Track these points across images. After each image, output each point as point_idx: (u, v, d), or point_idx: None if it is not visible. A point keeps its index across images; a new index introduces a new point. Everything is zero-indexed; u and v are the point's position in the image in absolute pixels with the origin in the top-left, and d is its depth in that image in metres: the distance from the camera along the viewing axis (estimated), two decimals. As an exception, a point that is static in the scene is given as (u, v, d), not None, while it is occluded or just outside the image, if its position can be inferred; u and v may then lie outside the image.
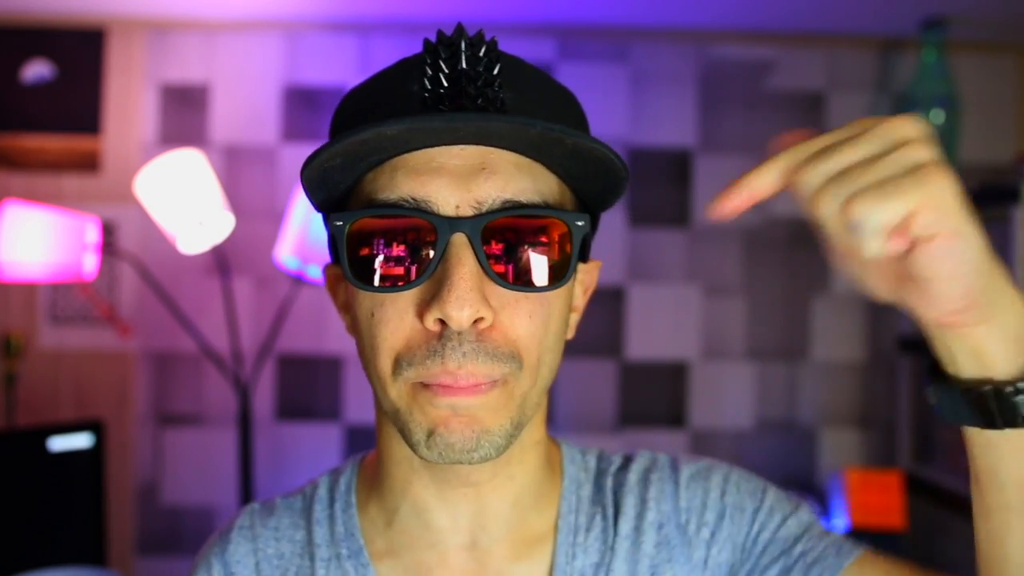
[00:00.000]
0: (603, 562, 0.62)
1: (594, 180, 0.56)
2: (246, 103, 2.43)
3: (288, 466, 2.42)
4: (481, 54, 0.54)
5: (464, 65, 0.53)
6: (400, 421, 0.54)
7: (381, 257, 0.52)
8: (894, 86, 2.50)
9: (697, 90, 2.48)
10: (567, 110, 0.60)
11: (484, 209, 0.52)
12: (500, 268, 0.52)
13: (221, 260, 2.09)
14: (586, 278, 0.65)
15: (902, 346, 2.40)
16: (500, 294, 0.53)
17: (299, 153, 2.42)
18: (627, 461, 0.69)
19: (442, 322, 0.51)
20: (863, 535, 2.26)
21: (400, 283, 0.52)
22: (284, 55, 2.45)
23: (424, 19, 2.43)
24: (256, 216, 2.47)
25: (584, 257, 0.61)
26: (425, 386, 0.53)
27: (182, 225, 1.97)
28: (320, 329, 2.42)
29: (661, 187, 2.65)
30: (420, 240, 0.52)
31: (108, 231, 2.39)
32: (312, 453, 2.38)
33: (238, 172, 2.52)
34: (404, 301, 0.52)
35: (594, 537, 0.63)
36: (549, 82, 0.60)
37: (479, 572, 0.61)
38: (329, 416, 2.44)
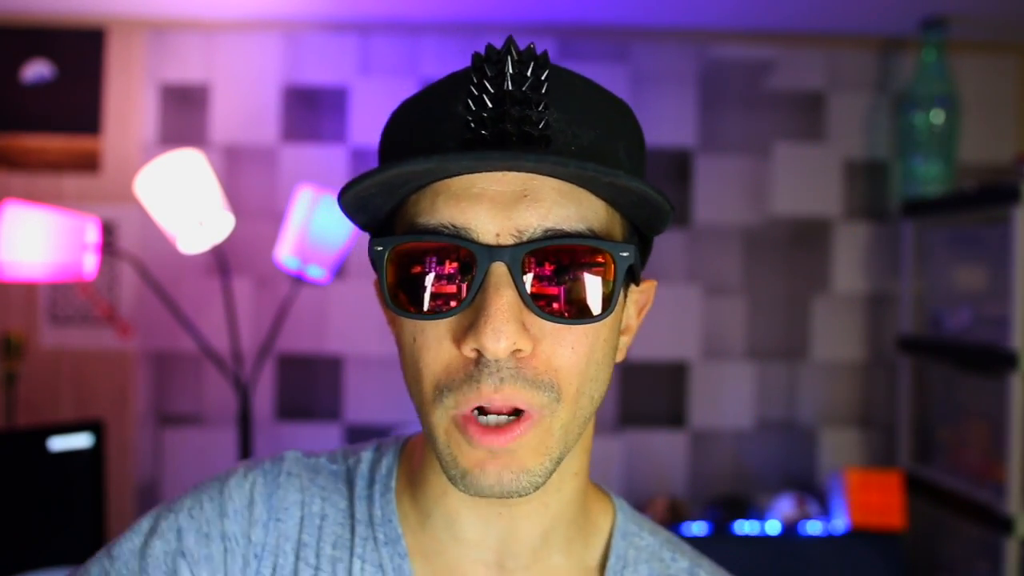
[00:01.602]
0: None
1: (639, 210, 0.55)
2: (246, 103, 2.43)
3: (288, 466, 2.42)
4: (528, 72, 0.52)
5: (510, 86, 0.51)
6: (438, 451, 0.54)
7: (420, 284, 0.52)
8: (894, 86, 2.50)
9: (697, 90, 2.48)
10: (620, 126, 0.58)
11: (525, 238, 0.51)
12: (541, 299, 0.51)
13: (221, 260, 2.09)
14: (640, 298, 0.63)
15: (902, 346, 2.40)
16: (541, 324, 0.51)
17: (299, 153, 2.42)
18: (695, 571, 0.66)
19: (479, 351, 0.50)
20: (863, 535, 2.26)
21: (439, 311, 0.51)
22: (284, 55, 2.45)
23: (424, 19, 2.42)
24: (256, 216, 2.47)
25: (635, 279, 0.60)
26: (464, 425, 0.52)
27: (182, 225, 1.97)
28: (320, 329, 2.42)
29: (661, 187, 2.64)
30: (460, 268, 0.51)
31: (108, 231, 2.39)
32: (312, 453, 2.38)
33: (238, 172, 2.52)
34: (443, 329, 0.52)
35: None
36: (601, 96, 0.59)
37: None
38: (329, 416, 2.44)
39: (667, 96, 2.47)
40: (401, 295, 0.53)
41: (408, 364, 0.55)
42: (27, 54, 2.42)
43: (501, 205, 0.51)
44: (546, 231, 0.51)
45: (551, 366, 0.52)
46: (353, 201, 0.53)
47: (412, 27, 2.45)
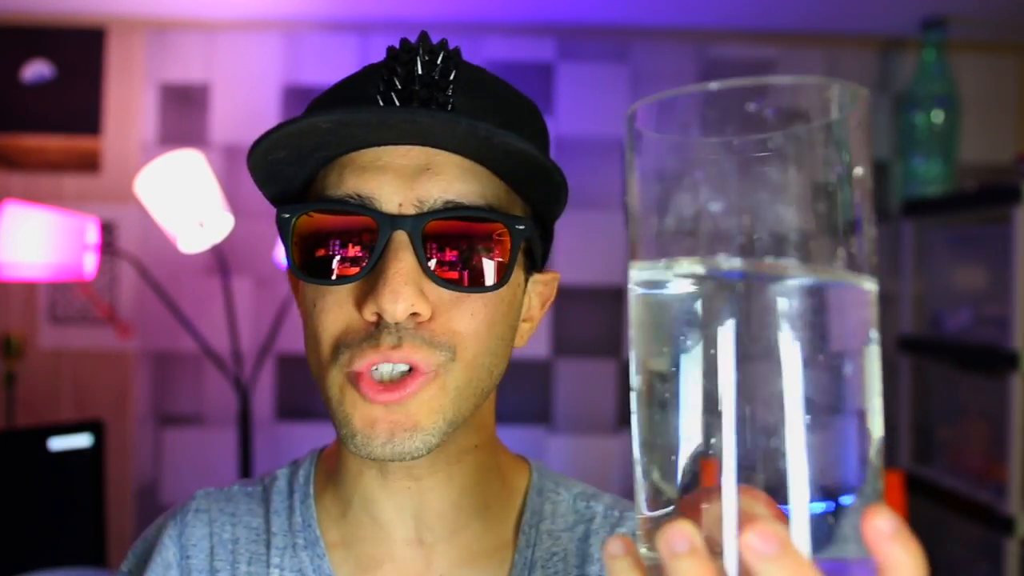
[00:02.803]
0: None
1: (535, 186, 0.57)
2: (246, 103, 2.43)
3: (288, 466, 2.42)
4: (439, 61, 0.55)
5: (420, 70, 0.55)
6: (332, 411, 0.55)
7: (324, 251, 0.54)
8: (894, 86, 2.50)
9: (697, 90, 2.48)
10: (525, 121, 0.60)
11: (426, 208, 0.53)
12: (439, 266, 0.53)
13: (221, 260, 2.09)
14: (544, 290, 0.65)
15: (902, 346, 2.40)
16: (439, 292, 0.53)
17: (299, 153, 2.42)
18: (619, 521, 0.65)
19: (380, 315, 0.52)
20: (863, 535, 2.26)
21: (342, 276, 0.53)
22: (284, 55, 2.45)
23: (424, 19, 2.43)
24: (256, 216, 2.47)
25: (537, 267, 0.62)
26: (358, 382, 0.53)
27: (182, 225, 1.97)
28: (320, 329, 2.42)
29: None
30: (362, 236, 0.53)
31: (108, 231, 2.39)
32: (312, 453, 2.38)
33: (238, 172, 2.51)
34: (345, 293, 0.54)
35: None
36: (510, 93, 0.60)
37: (426, 570, 0.61)
38: (329, 416, 2.44)
39: (667, 96, 2.47)
40: (305, 262, 0.54)
41: (308, 329, 0.57)
42: (27, 54, 2.42)
43: (404, 177, 0.53)
44: (446, 203, 0.53)
45: (449, 329, 0.54)
46: (263, 166, 0.55)
47: (412, 27, 2.44)
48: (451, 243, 0.53)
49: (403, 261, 0.51)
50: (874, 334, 0.32)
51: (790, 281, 0.30)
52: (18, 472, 1.61)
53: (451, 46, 0.56)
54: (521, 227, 0.55)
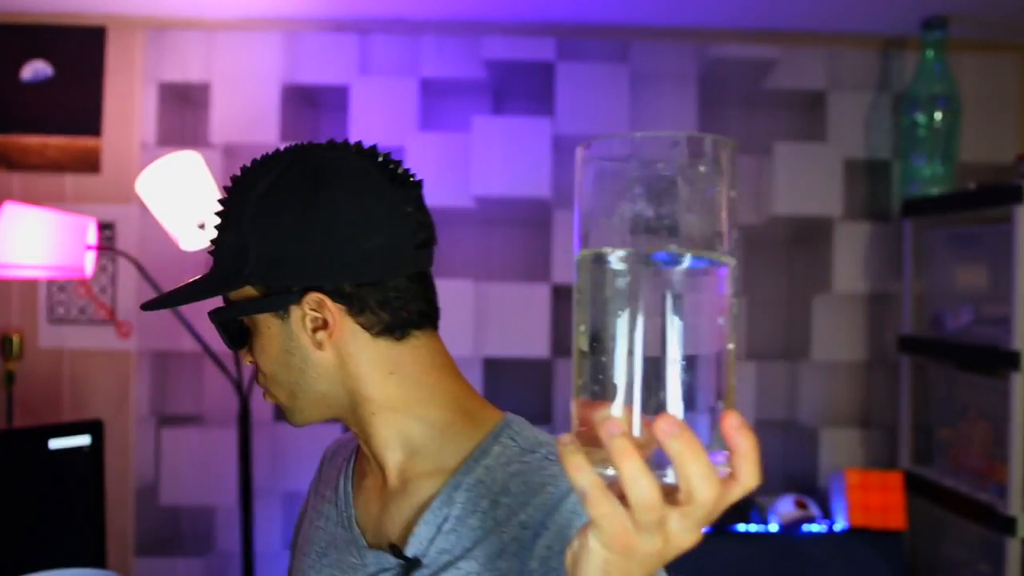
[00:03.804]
0: (454, 550, 0.75)
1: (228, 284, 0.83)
2: (246, 103, 2.43)
3: (288, 466, 2.41)
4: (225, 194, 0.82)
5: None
6: None
7: None
8: (895, 86, 2.49)
9: (697, 90, 2.48)
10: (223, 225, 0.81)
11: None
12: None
13: (221, 260, 2.09)
14: (307, 312, 0.78)
15: (903, 346, 2.40)
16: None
17: (299, 153, 2.42)
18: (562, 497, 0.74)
19: None
20: (864, 534, 2.26)
21: None
22: (284, 55, 2.44)
23: (424, 18, 2.42)
24: (256, 216, 2.47)
25: (282, 308, 0.78)
26: None
27: (182, 226, 1.97)
28: (320, 329, 2.41)
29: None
30: None
31: (107, 231, 2.39)
32: (312, 453, 2.37)
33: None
34: None
35: (470, 525, 0.75)
36: (233, 195, 0.80)
37: (385, 481, 0.83)
38: (329, 416, 2.44)
39: (667, 96, 2.47)
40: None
41: None
42: (27, 54, 2.42)
43: None
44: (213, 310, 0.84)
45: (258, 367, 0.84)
46: None
47: (412, 26, 2.45)
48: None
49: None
50: (735, 297, 0.47)
51: (684, 260, 0.45)
52: (17, 472, 1.61)
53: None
54: (233, 311, 0.80)
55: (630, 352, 0.44)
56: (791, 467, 2.61)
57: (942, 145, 2.33)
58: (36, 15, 2.41)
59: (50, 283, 2.41)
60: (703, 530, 0.45)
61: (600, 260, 0.46)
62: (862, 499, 2.28)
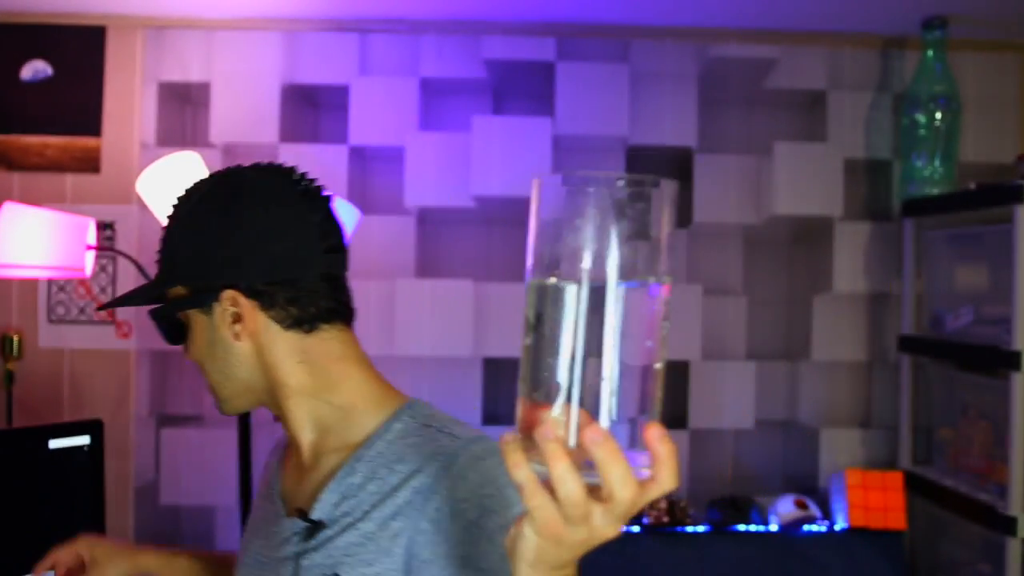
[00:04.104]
0: (343, 519, 0.85)
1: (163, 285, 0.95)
2: (246, 103, 2.42)
3: (288, 466, 2.41)
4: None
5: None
6: None
7: None
8: (895, 85, 2.49)
9: (697, 89, 2.48)
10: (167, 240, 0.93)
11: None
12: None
13: (221, 260, 2.09)
14: (226, 306, 0.89)
15: (903, 346, 2.40)
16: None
17: (299, 153, 2.42)
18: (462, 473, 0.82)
19: None
20: (864, 534, 2.26)
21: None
22: (284, 54, 2.44)
23: (424, 18, 2.42)
24: (256, 216, 2.47)
25: (205, 304, 0.90)
26: None
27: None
28: (320, 329, 2.41)
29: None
30: None
31: (107, 231, 2.39)
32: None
33: (238, 172, 2.51)
34: None
35: (369, 491, 0.85)
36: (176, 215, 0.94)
37: (301, 454, 0.94)
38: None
39: (667, 96, 2.47)
40: None
41: None
42: (27, 54, 2.42)
43: None
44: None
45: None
46: None
47: (412, 26, 2.44)
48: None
49: None
50: (666, 320, 0.53)
51: (623, 283, 0.50)
52: (18, 472, 1.61)
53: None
54: (167, 309, 0.93)
55: (565, 364, 0.50)
56: (791, 467, 2.61)
57: (942, 145, 2.33)
58: (36, 15, 2.41)
59: (50, 283, 2.41)
60: (623, 525, 0.52)
61: (545, 282, 0.52)
62: (862, 499, 2.28)
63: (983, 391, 2.17)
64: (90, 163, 2.43)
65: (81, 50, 2.43)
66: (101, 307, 1.01)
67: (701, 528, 2.26)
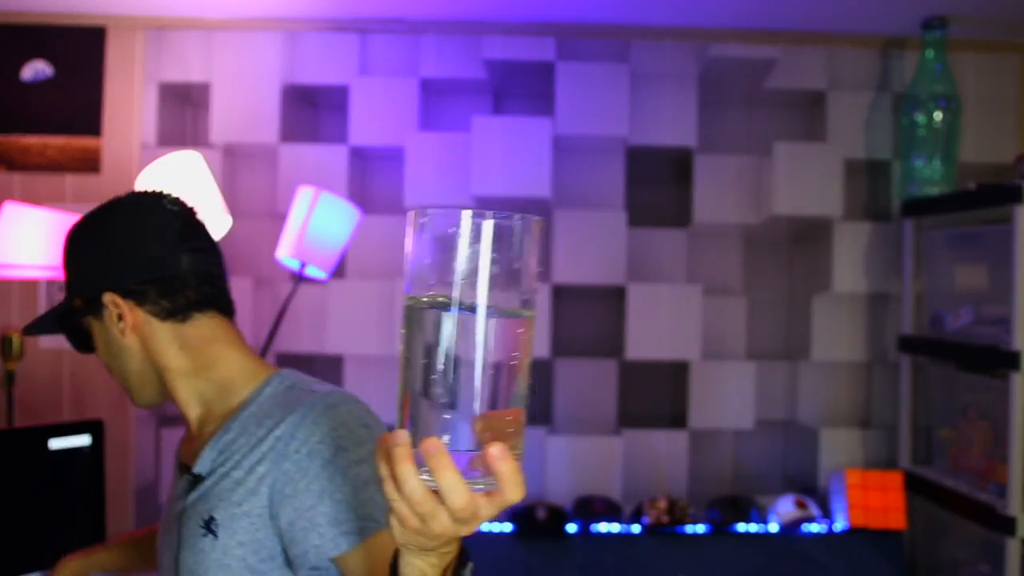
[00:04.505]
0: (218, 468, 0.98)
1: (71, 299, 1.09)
2: (246, 103, 2.43)
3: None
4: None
5: None
6: None
7: None
8: (895, 86, 2.49)
9: (697, 89, 2.48)
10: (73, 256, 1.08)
11: None
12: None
13: (221, 260, 2.09)
14: (112, 310, 1.03)
15: (903, 346, 2.40)
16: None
17: (298, 153, 2.42)
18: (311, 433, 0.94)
19: None
20: (864, 534, 2.26)
21: None
22: (284, 55, 2.44)
23: (424, 18, 2.42)
24: (255, 216, 2.47)
25: (94, 311, 1.05)
26: None
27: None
28: (320, 329, 2.42)
29: (661, 187, 2.64)
30: None
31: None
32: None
33: (238, 172, 2.51)
34: None
35: (240, 444, 0.97)
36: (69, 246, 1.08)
37: (191, 437, 1.07)
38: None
39: (667, 96, 2.47)
40: None
41: None
42: (27, 54, 2.42)
43: None
44: None
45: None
46: None
47: (412, 26, 2.45)
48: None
49: None
50: (529, 346, 0.59)
51: (490, 310, 0.55)
52: (18, 472, 1.61)
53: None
54: (69, 319, 1.09)
55: (426, 383, 0.56)
56: (791, 467, 2.61)
57: (942, 145, 2.33)
58: (36, 15, 2.41)
59: (50, 283, 2.41)
60: (476, 526, 0.59)
61: (416, 306, 0.57)
62: (862, 499, 2.28)
63: (983, 391, 2.17)
64: (90, 163, 2.43)
65: (81, 50, 2.43)
66: (26, 332, 1.13)
67: (701, 528, 2.26)
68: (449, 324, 0.55)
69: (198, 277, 1.04)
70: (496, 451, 0.55)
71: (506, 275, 0.56)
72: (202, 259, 1.05)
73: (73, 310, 1.07)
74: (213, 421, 1.04)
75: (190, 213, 1.07)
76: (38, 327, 1.11)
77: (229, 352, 1.05)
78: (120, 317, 1.03)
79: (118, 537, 1.35)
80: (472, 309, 0.55)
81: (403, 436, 0.56)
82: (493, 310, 0.56)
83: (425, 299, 0.56)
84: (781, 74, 2.49)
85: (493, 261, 0.55)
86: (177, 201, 1.07)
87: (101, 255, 1.03)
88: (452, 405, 0.55)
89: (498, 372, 0.56)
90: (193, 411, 1.05)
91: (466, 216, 0.55)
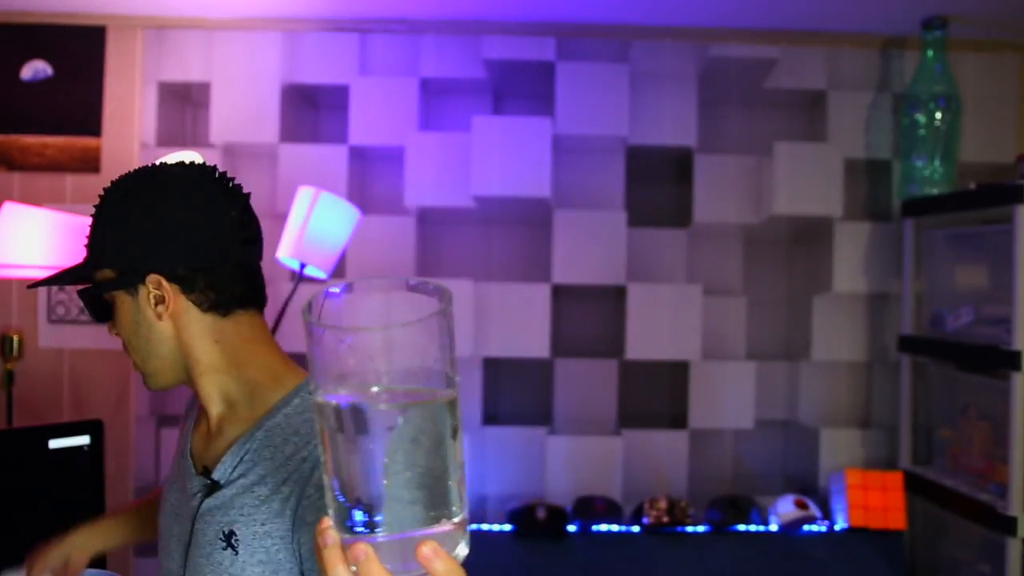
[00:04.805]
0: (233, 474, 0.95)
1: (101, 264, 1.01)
2: (246, 103, 2.42)
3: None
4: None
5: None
6: None
7: None
8: (895, 86, 2.49)
9: (697, 89, 2.48)
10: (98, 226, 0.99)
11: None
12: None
13: (221, 260, 2.09)
14: (153, 291, 0.96)
15: (903, 346, 2.40)
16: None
17: (299, 153, 2.42)
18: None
19: None
20: (864, 534, 2.26)
21: None
22: (284, 54, 2.44)
23: (424, 18, 2.42)
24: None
25: (131, 286, 0.97)
26: None
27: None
28: (320, 329, 2.41)
29: (661, 187, 2.64)
30: None
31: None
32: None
33: (238, 172, 2.51)
34: None
35: (264, 457, 0.94)
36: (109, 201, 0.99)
37: (208, 432, 1.02)
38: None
39: (667, 96, 2.47)
40: None
41: None
42: (27, 53, 2.42)
43: None
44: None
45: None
46: None
47: (412, 26, 2.44)
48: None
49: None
50: (457, 429, 0.56)
51: (405, 402, 0.53)
52: (18, 472, 1.61)
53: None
54: (95, 289, 1.00)
55: (350, 481, 0.54)
56: (791, 467, 2.61)
57: (942, 145, 2.33)
58: (36, 15, 2.41)
59: (50, 283, 2.41)
60: None
61: (327, 405, 0.54)
62: (862, 499, 2.28)
63: (983, 391, 2.17)
64: (90, 163, 2.43)
65: (81, 50, 2.43)
66: (31, 285, 1.09)
67: (701, 528, 2.26)
68: (364, 423, 0.53)
69: (246, 271, 1.00)
70: (425, 551, 0.54)
71: (425, 365, 0.54)
72: (253, 251, 1.01)
73: (102, 280, 0.99)
74: (236, 423, 0.99)
75: (247, 198, 1.02)
76: (51, 283, 1.04)
77: (263, 352, 1.02)
78: (160, 300, 0.96)
79: (118, 508, 1.34)
80: (390, 405, 0.53)
81: (332, 536, 0.56)
82: (417, 402, 0.54)
83: (333, 401, 0.54)
84: (781, 74, 2.49)
85: (407, 353, 0.53)
86: (235, 184, 1.02)
87: (151, 231, 0.95)
88: (375, 506, 0.54)
89: (426, 467, 0.55)
90: (215, 408, 1.01)
91: (370, 288, 0.55)
